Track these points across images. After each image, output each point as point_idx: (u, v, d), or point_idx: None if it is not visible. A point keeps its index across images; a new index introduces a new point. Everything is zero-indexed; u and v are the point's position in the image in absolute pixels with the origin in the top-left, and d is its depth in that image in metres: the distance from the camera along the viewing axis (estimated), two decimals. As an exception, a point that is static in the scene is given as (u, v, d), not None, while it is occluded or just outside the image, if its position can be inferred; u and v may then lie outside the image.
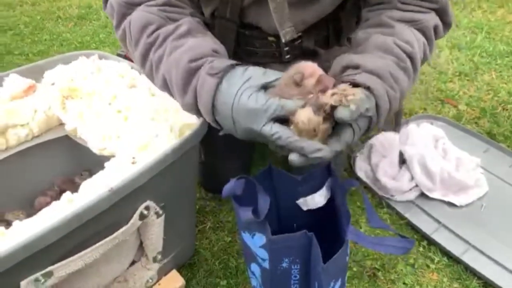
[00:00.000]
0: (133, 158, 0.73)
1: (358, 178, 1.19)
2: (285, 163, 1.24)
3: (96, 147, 0.82)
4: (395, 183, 1.13)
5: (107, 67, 0.95)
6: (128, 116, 0.81)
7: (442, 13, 0.72)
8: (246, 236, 0.72)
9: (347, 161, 1.25)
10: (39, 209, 0.88)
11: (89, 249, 0.65)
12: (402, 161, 1.19)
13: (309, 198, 0.75)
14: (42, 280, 0.61)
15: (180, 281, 0.90)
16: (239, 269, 0.99)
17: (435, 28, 0.72)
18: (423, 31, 0.70)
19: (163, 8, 0.70)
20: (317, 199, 0.74)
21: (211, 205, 1.16)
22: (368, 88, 0.58)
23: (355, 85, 0.57)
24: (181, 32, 0.67)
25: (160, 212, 0.75)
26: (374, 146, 1.22)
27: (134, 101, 0.83)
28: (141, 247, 0.83)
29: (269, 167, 0.79)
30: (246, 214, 0.64)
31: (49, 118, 0.89)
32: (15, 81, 0.89)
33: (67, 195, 0.68)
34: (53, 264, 0.61)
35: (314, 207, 0.75)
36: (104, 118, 0.83)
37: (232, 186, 0.65)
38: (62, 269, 0.63)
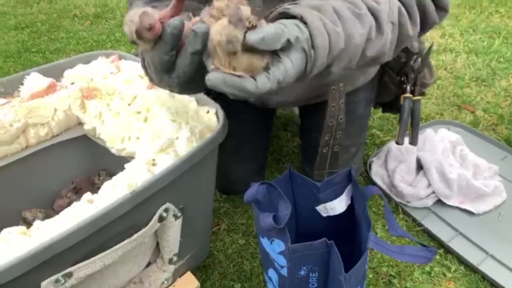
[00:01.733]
0: (153, 160, 0.73)
1: (374, 184, 1.18)
2: (303, 169, 1.22)
3: (115, 147, 0.82)
4: (411, 189, 1.11)
5: (126, 67, 0.95)
6: (148, 117, 0.81)
7: None
8: (264, 241, 0.72)
9: (363, 166, 1.24)
10: (59, 212, 0.89)
11: (108, 251, 0.65)
12: (419, 166, 1.18)
13: (328, 204, 0.74)
14: (62, 281, 0.61)
15: (195, 283, 0.89)
16: (254, 273, 0.98)
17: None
18: None
19: (150, 2, 0.71)
20: (337, 206, 0.73)
21: (226, 207, 1.15)
22: (301, 18, 0.54)
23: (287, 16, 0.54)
24: None
25: (179, 214, 0.75)
26: (391, 151, 1.21)
27: (154, 102, 0.83)
28: (157, 248, 0.83)
29: (289, 172, 0.78)
30: (266, 220, 0.64)
31: (69, 117, 0.89)
32: (36, 79, 0.90)
33: (87, 195, 0.68)
34: (73, 265, 0.61)
35: (334, 214, 0.75)
36: (124, 118, 0.83)
37: (254, 191, 0.65)
38: (81, 270, 0.63)
